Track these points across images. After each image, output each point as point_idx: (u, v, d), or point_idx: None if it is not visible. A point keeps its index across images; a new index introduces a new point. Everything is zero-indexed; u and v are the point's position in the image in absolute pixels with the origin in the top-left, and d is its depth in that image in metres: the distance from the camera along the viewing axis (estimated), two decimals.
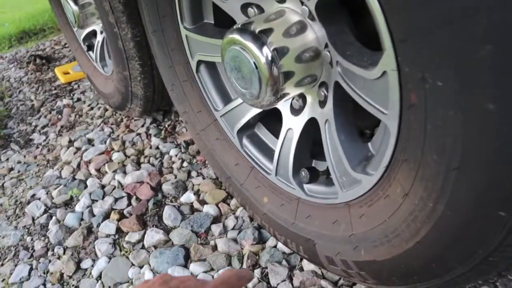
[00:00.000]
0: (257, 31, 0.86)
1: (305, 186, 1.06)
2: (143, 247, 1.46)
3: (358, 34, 0.83)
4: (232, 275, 0.68)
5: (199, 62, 1.25)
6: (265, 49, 0.87)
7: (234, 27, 0.91)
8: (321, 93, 0.93)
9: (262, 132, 1.22)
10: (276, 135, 1.11)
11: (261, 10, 0.96)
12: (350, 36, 0.82)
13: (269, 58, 0.87)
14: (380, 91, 0.71)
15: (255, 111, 1.14)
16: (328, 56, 0.86)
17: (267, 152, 1.19)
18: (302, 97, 1.01)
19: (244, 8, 0.99)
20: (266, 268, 1.26)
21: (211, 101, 1.28)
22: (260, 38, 0.88)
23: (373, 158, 0.85)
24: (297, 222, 1.07)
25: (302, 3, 0.85)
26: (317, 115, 0.96)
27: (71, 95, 2.80)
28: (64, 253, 1.53)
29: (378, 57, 0.69)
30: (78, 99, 2.71)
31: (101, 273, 1.40)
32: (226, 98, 1.26)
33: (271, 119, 1.21)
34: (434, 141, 0.62)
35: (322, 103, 0.94)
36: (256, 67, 0.88)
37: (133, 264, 1.41)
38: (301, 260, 1.25)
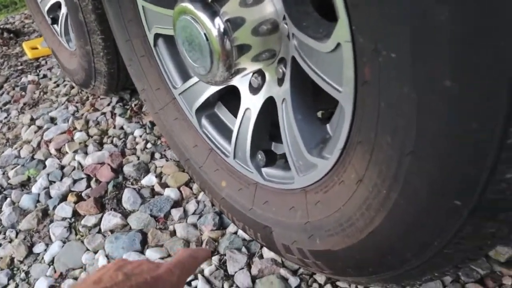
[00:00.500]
0: None
1: (263, 170, 1.00)
2: (99, 231, 1.39)
3: (318, 4, 0.76)
4: (187, 255, 0.65)
5: (157, 36, 1.16)
6: (217, 20, 0.80)
7: None
8: (279, 70, 0.86)
9: (222, 112, 1.14)
10: (236, 115, 1.04)
11: None
12: (308, 6, 0.75)
13: (221, 29, 0.79)
14: (335, 66, 0.65)
15: (214, 88, 1.06)
16: (286, 29, 0.79)
17: (226, 133, 1.12)
18: (262, 74, 0.94)
19: None
20: (225, 255, 1.20)
21: (170, 78, 1.20)
22: (212, 7, 0.80)
23: (330, 141, 0.79)
24: (255, 208, 1.01)
25: None
26: (275, 93, 0.89)
27: (37, 71, 2.67)
28: (16, 236, 1.45)
29: (333, 27, 0.62)
30: (44, 76, 2.59)
31: (53, 258, 1.33)
32: (185, 75, 1.18)
33: (231, 98, 1.14)
34: (387, 121, 0.55)
35: (280, 81, 0.87)
36: (207, 39, 0.81)
37: (87, 249, 1.33)
38: (261, 247, 1.20)
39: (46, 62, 2.77)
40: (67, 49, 2.18)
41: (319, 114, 1.13)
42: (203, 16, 0.80)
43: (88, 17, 1.61)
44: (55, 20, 2.24)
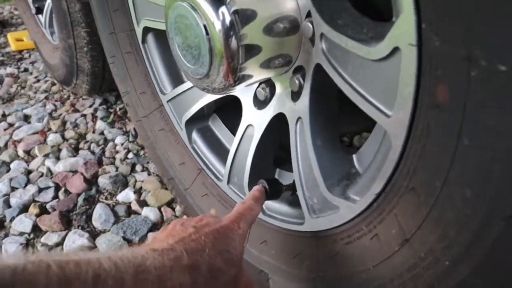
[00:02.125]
0: None
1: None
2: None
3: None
4: (245, 207, 0.66)
5: (146, 30, 0.98)
6: (223, 9, 0.61)
7: None
8: (295, 81, 0.68)
9: (217, 127, 0.96)
10: (234, 132, 0.86)
11: None
12: (344, 0, 0.57)
13: (227, 22, 0.61)
14: (384, 80, 0.47)
15: (210, 97, 0.87)
16: (310, 29, 0.61)
17: (221, 152, 0.93)
18: (270, 85, 0.76)
19: None
20: None
21: (158, 81, 1.01)
22: None
23: (358, 178, 0.61)
24: (249, 247, 0.82)
25: None
26: (287, 110, 0.71)
27: (19, 64, 2.47)
28: None
29: (386, 27, 0.44)
30: (25, 70, 2.39)
31: None
32: (176, 79, 0.99)
33: (230, 111, 0.95)
34: (471, 166, 0.37)
35: (296, 95, 0.69)
36: (207, 34, 0.62)
37: None
38: None
39: (29, 56, 2.58)
40: (50, 42, 1.98)
41: None
42: (204, 3, 0.62)
43: (72, 7, 1.42)
44: (40, 10, 2.05)
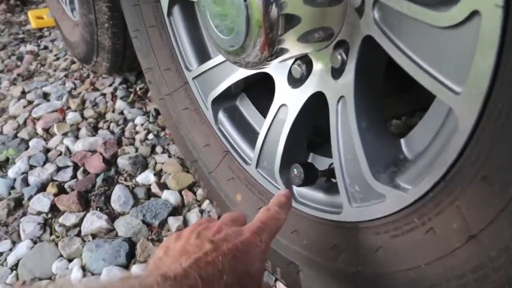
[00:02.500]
0: None
1: (296, 188, 0.75)
2: (78, 234, 1.15)
3: None
4: (269, 216, 0.59)
5: (173, 1, 0.92)
6: None
7: None
8: (337, 56, 0.61)
9: (246, 107, 0.90)
10: (265, 113, 0.80)
11: None
12: None
13: None
14: (455, 51, 0.40)
15: (239, 74, 0.81)
16: None
17: (249, 134, 0.87)
18: (307, 61, 0.70)
19: None
20: None
21: (184, 56, 0.95)
22: None
23: (407, 165, 0.55)
24: (278, 237, 0.76)
25: None
26: (327, 88, 0.64)
27: (39, 42, 2.44)
28: None
29: None
30: (45, 47, 2.36)
31: (18, 261, 1.09)
32: (203, 55, 0.94)
33: (260, 90, 0.89)
34: None
35: (337, 72, 0.62)
36: (245, 0, 0.56)
37: (61, 255, 1.09)
38: (276, 280, 0.95)
39: (49, 33, 2.54)
40: (70, 19, 1.93)
41: None
42: None
43: None
44: None
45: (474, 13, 0.37)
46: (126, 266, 1.04)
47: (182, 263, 0.46)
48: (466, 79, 0.39)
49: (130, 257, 1.06)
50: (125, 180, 1.30)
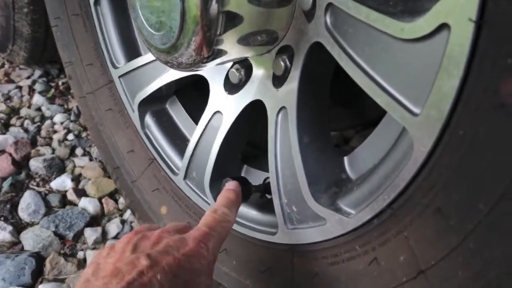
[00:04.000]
0: None
1: None
2: None
3: None
4: (217, 219, 0.51)
5: None
6: None
7: None
8: (280, 63, 0.56)
9: (176, 111, 0.82)
10: (197, 119, 0.73)
11: None
12: None
13: None
14: (416, 67, 0.36)
15: (171, 76, 0.74)
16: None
17: (179, 141, 0.80)
18: (247, 66, 0.64)
19: None
20: None
21: (110, 52, 0.85)
22: None
23: (351, 186, 0.50)
24: None
25: None
26: (267, 97, 0.59)
27: None
28: None
29: None
30: None
31: None
32: (132, 51, 0.85)
33: (193, 94, 0.82)
34: None
35: (279, 80, 0.57)
36: None
37: None
38: None
39: None
40: None
41: None
42: None
43: None
44: None
45: (443, 26, 0.33)
46: (32, 286, 0.91)
47: (113, 285, 0.38)
48: (426, 99, 0.35)
49: (37, 275, 0.93)
50: (37, 185, 1.16)
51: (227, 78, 0.67)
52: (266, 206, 0.64)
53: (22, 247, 0.99)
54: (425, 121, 0.35)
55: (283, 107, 0.55)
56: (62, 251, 0.99)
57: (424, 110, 0.35)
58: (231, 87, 0.66)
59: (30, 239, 1.00)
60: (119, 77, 0.84)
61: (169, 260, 0.43)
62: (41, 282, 0.92)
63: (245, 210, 0.67)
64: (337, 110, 0.76)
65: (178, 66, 0.57)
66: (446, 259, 0.35)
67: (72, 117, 1.44)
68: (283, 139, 0.56)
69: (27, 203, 1.08)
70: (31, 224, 1.05)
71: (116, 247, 0.46)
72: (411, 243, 0.39)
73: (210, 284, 0.47)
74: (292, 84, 0.54)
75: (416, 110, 0.36)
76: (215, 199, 0.69)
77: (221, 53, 0.55)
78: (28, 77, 1.67)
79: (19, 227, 1.04)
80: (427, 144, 0.36)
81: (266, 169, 0.69)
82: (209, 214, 0.52)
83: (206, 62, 0.55)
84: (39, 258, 0.96)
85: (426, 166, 0.37)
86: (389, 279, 0.42)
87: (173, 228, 0.52)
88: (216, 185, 0.69)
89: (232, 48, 0.55)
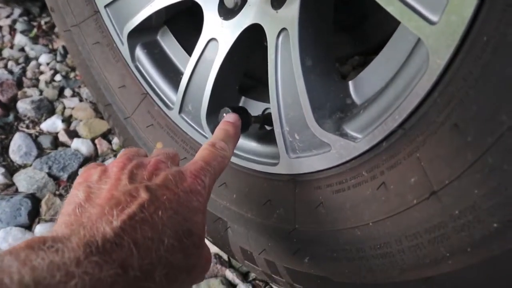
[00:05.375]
0: None
1: None
2: None
3: None
4: (215, 154, 0.48)
5: None
6: None
7: None
8: None
9: (168, 42, 0.77)
10: (190, 50, 0.69)
11: None
12: None
13: None
14: None
15: (161, 2, 0.68)
16: None
17: (172, 74, 0.76)
18: None
19: None
20: None
21: None
22: None
23: (357, 110, 0.48)
24: None
25: None
26: (266, 20, 0.55)
27: None
28: None
29: None
30: None
31: None
32: None
33: (185, 22, 0.77)
34: None
35: (278, 1, 0.53)
36: None
37: None
38: None
39: None
40: None
41: None
42: None
43: None
44: None
45: None
46: (29, 227, 0.90)
47: (113, 221, 0.34)
48: (445, 4, 0.32)
49: (34, 215, 0.92)
50: (27, 127, 1.13)
51: (221, 2, 0.62)
52: (266, 137, 0.62)
53: (16, 189, 0.98)
54: (444, 29, 0.32)
55: (283, 29, 0.52)
56: (57, 192, 0.98)
57: (443, 17, 0.32)
58: (226, 12, 0.62)
59: (23, 181, 0.98)
60: (105, 6, 0.78)
61: (169, 195, 0.40)
62: (38, 223, 0.91)
63: (245, 142, 0.64)
64: (340, 36, 0.71)
65: None
66: (461, 177, 0.34)
67: (59, 58, 1.38)
68: (285, 63, 0.52)
69: (18, 145, 1.06)
70: (24, 166, 1.03)
71: (110, 172, 0.42)
72: (424, 164, 0.37)
73: (204, 222, 0.44)
74: (293, 5, 0.50)
75: (433, 18, 0.33)
76: (212, 132, 0.67)
77: None
78: (8, 16, 1.59)
79: (11, 169, 1.02)
80: (445, 56, 0.33)
81: (265, 100, 0.66)
82: (206, 147, 0.49)
83: None
84: (34, 199, 0.94)
85: (443, 80, 0.34)
86: (398, 203, 0.40)
87: (165, 156, 0.48)
88: (213, 117, 0.66)
89: None
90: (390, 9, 0.35)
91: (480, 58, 0.31)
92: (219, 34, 0.62)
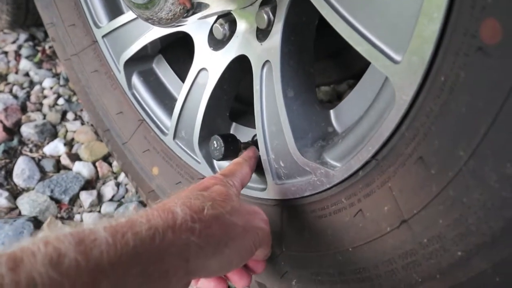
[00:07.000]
0: None
1: (217, 162, 0.69)
2: None
3: None
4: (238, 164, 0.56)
5: None
6: None
7: None
8: (263, 15, 0.54)
9: (163, 70, 0.80)
10: (184, 78, 0.72)
11: None
12: None
13: None
14: (395, 13, 0.35)
15: (155, 33, 0.72)
16: None
17: (167, 101, 0.79)
18: (230, 20, 0.62)
19: None
20: None
21: (91, 11, 0.82)
22: None
23: (337, 139, 0.50)
24: None
25: None
26: (252, 52, 0.57)
27: None
28: None
29: None
30: None
31: None
32: (114, 9, 0.82)
33: (179, 51, 0.80)
34: None
35: (263, 34, 0.55)
36: None
37: None
38: None
39: None
40: None
41: None
42: None
43: None
44: None
45: None
46: None
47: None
48: (406, 46, 0.34)
49: None
50: (30, 151, 1.16)
51: (211, 34, 0.65)
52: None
53: (20, 212, 1.00)
54: (407, 69, 0.34)
55: (267, 61, 0.54)
56: (59, 215, 1.00)
57: (405, 57, 0.34)
58: (216, 43, 0.64)
59: (26, 204, 1.01)
60: (103, 37, 0.81)
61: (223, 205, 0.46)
62: None
63: None
64: (324, 63, 0.74)
65: (159, 22, 0.55)
66: (427, 207, 0.35)
67: (62, 82, 1.42)
68: (269, 94, 0.55)
69: (21, 169, 1.08)
70: (27, 190, 1.06)
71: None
72: (395, 193, 0.39)
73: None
74: (275, 38, 0.52)
75: (397, 57, 0.35)
76: (205, 158, 0.69)
77: (201, 6, 0.53)
78: (14, 42, 1.63)
79: (14, 192, 1.04)
80: (409, 93, 0.35)
81: (254, 126, 0.68)
82: (234, 163, 0.56)
83: (187, 16, 0.53)
84: (36, 222, 0.97)
85: (409, 115, 0.36)
86: (374, 229, 0.42)
87: None
88: (204, 143, 0.68)
89: (213, 0, 0.53)
90: (359, 49, 0.38)
91: (439, 97, 0.33)
92: (209, 63, 0.65)
